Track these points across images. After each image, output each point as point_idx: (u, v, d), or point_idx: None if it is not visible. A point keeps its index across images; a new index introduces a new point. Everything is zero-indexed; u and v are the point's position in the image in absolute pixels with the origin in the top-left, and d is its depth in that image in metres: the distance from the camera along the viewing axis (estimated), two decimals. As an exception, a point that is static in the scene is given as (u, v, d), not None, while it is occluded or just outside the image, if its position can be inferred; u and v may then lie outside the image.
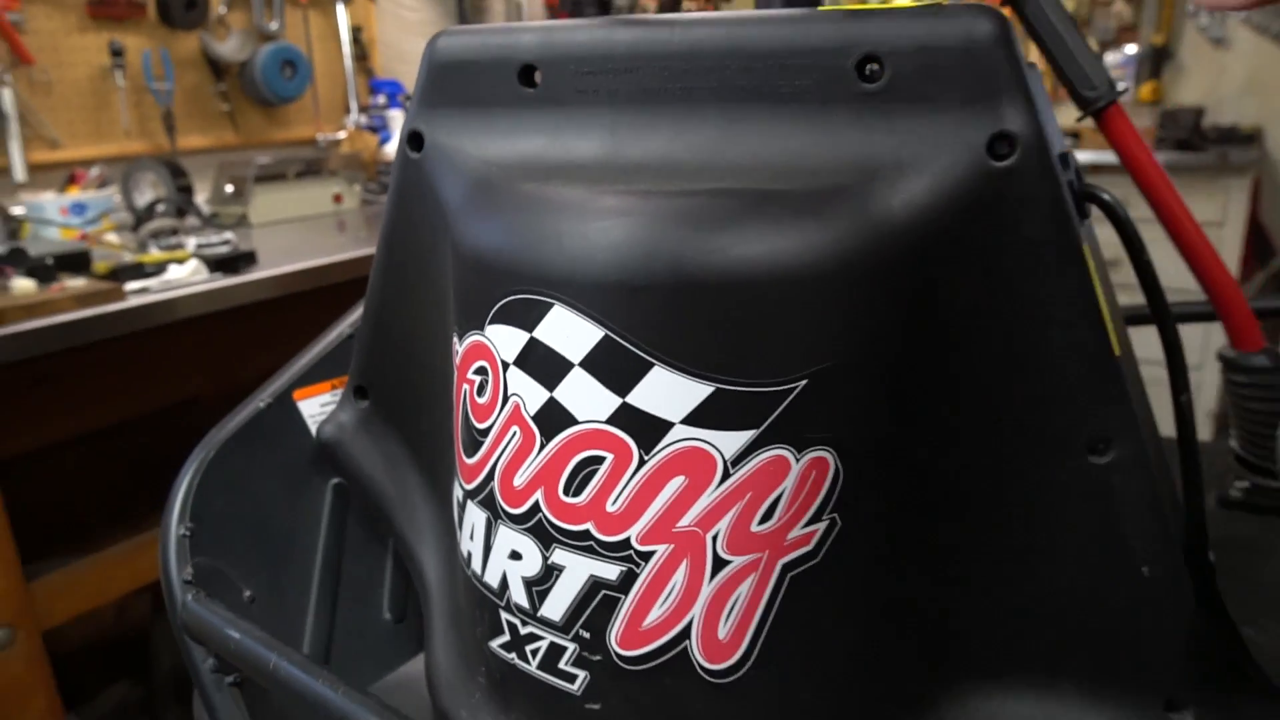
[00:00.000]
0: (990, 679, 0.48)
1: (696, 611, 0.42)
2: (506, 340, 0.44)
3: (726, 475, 0.40)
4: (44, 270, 1.15)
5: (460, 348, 0.48)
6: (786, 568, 0.42)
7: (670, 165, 0.44)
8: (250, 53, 2.11)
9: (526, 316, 0.42)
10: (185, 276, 1.21)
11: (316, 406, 0.64)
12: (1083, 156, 3.00)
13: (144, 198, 1.83)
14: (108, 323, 1.09)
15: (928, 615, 0.46)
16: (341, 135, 2.29)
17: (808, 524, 0.42)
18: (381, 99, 2.40)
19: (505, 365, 0.44)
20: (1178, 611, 0.46)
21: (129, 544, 1.31)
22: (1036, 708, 0.49)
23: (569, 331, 0.41)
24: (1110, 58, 3.39)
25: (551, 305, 0.41)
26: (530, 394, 0.43)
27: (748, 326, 0.39)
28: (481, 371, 0.46)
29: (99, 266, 1.23)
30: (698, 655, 0.43)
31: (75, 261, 1.24)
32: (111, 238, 1.56)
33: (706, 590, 0.42)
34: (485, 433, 0.46)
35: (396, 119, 2.39)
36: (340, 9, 2.32)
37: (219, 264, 1.27)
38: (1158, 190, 0.80)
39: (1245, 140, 2.98)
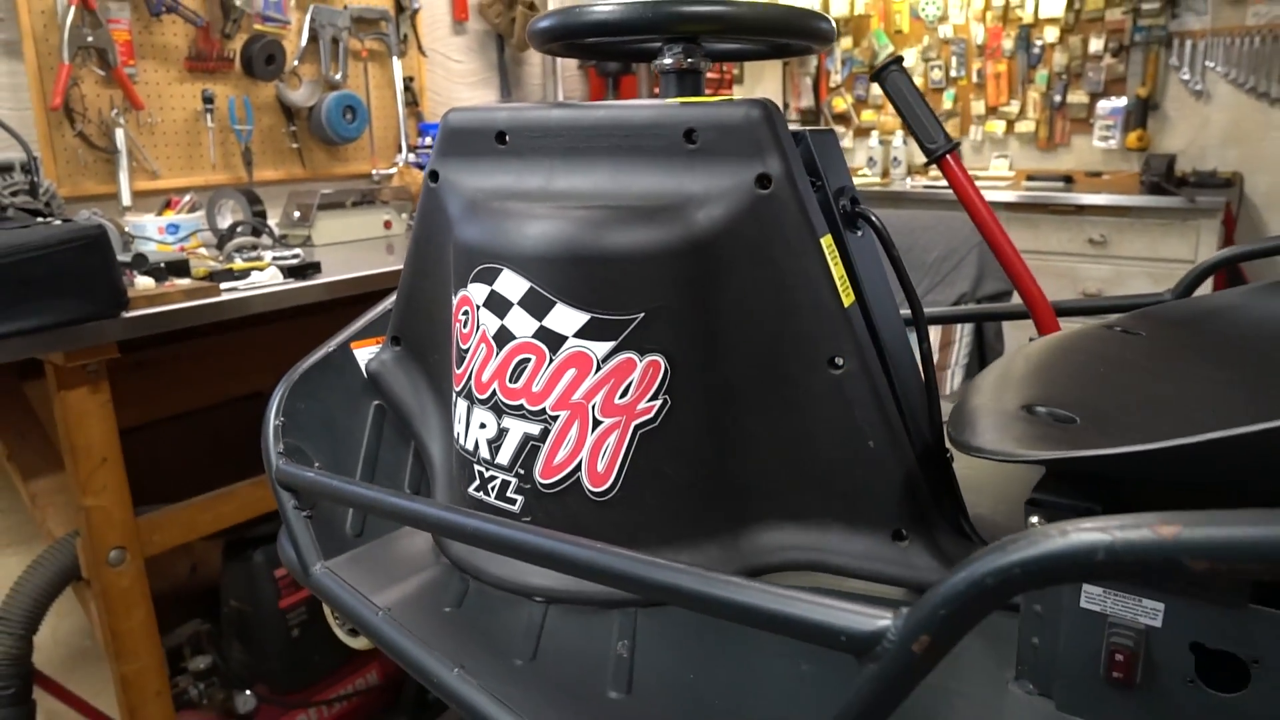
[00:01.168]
0: (778, 514, 0.76)
1: (585, 454, 0.71)
2: (479, 292, 0.73)
3: (599, 368, 0.69)
4: (158, 272, 1.48)
5: (455, 300, 0.78)
6: (637, 428, 0.71)
7: (580, 193, 0.74)
8: (318, 99, 2.47)
9: (490, 277, 0.72)
10: (266, 280, 1.54)
11: (365, 354, 0.94)
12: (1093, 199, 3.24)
13: (225, 221, 2.18)
14: (211, 311, 1.42)
15: (732, 469, 0.74)
16: (393, 171, 2.63)
17: (649, 400, 0.70)
18: (429, 140, 2.75)
19: (478, 307, 0.74)
20: (896, 473, 0.73)
21: (210, 497, 1.63)
22: (812, 535, 0.76)
23: (512, 285, 0.71)
24: (1101, 106, 3.65)
25: (502, 270, 0.71)
26: (491, 323, 0.73)
27: (611, 282, 0.69)
28: (466, 313, 0.76)
29: (198, 271, 1.57)
30: (586, 483, 0.72)
31: (179, 267, 1.57)
32: (202, 251, 1.90)
33: (590, 439, 0.71)
34: (467, 350, 0.76)
35: (440, 157, 2.74)
36: (395, 62, 2.68)
37: (292, 271, 1.59)
38: (984, 220, 1.08)
39: (1221, 185, 3.21)
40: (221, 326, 1.57)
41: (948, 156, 1.08)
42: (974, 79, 4.03)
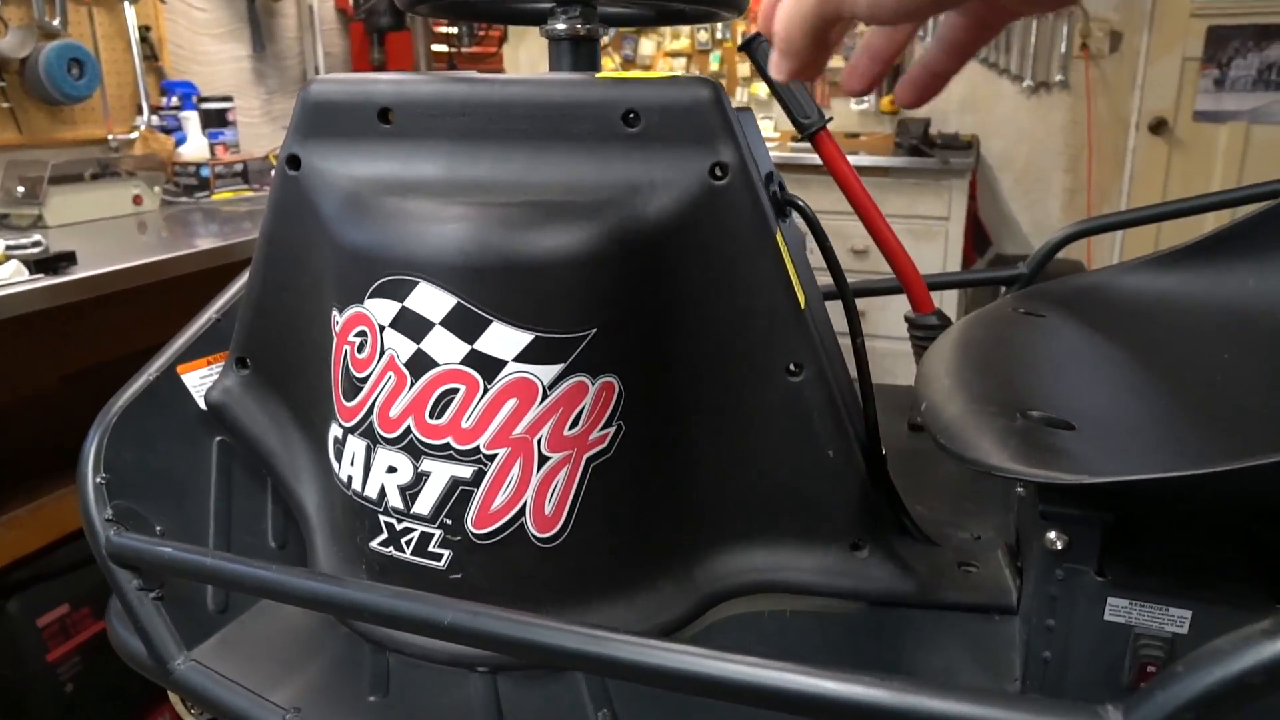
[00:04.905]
0: (734, 537, 0.69)
1: (529, 496, 0.61)
2: (382, 309, 0.60)
3: (545, 396, 0.59)
4: None
5: (341, 319, 0.63)
6: (589, 460, 0.61)
7: (493, 184, 0.62)
8: (32, 50, 2.06)
9: (398, 292, 0.59)
10: (7, 277, 1.25)
11: (197, 379, 0.77)
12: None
13: (-81, 200, 1.77)
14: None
15: (687, 492, 0.67)
16: (134, 136, 2.26)
17: (603, 428, 0.61)
18: (175, 100, 2.39)
19: (382, 328, 0.60)
20: (853, 481, 0.68)
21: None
22: (768, 555, 0.70)
23: (431, 300, 0.58)
24: (857, 73, 3.84)
25: (418, 283, 0.58)
26: (402, 347, 0.59)
27: (554, 294, 0.58)
28: (361, 334, 0.62)
29: (-94, 270, 1.24)
30: (531, 528, 0.61)
31: (-123, 265, 1.24)
32: (-100, 241, 1.53)
33: (535, 479, 0.60)
34: (364, 380, 0.62)
35: (191, 119, 2.39)
36: (127, 7, 2.29)
37: (40, 264, 1.30)
38: (856, 194, 1.05)
39: (964, 147, 3.49)
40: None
41: (821, 132, 1.05)
42: (737, 42, 4.12)
